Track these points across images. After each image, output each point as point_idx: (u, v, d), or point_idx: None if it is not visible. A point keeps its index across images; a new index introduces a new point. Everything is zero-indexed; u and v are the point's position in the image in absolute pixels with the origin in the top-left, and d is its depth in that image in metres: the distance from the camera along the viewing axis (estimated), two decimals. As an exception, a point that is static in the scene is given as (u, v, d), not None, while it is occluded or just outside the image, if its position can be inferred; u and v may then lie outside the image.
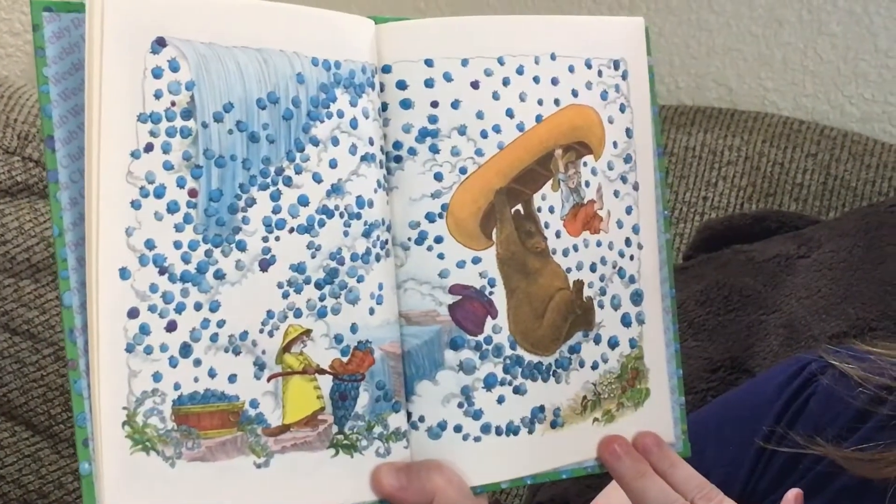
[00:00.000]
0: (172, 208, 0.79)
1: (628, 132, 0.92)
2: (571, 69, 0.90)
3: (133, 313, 0.78)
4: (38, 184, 1.51)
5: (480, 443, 0.87)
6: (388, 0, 1.70)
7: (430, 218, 0.87)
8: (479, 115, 0.87)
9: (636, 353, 0.92)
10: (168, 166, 0.79)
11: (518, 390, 0.88)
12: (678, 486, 0.87)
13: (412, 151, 0.87)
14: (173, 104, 0.79)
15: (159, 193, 0.78)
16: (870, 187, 1.49)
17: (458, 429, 0.87)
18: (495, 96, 0.87)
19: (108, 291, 0.77)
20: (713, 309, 1.35)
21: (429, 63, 0.87)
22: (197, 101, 0.79)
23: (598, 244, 0.90)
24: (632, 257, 0.92)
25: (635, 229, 0.92)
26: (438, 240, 0.87)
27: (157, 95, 0.78)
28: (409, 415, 0.87)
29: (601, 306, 0.91)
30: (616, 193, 0.91)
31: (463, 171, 0.87)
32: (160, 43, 0.78)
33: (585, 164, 0.90)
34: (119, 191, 0.77)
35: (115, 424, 0.77)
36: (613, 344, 0.91)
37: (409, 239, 0.87)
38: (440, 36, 0.87)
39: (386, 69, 0.87)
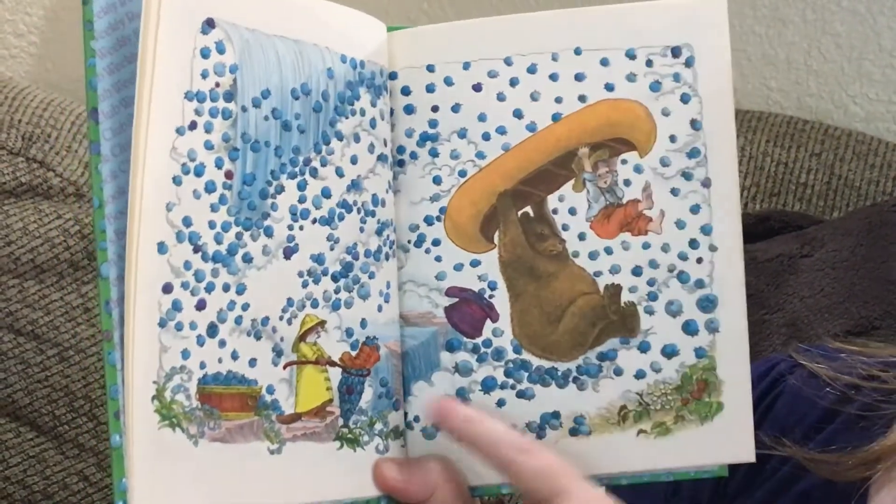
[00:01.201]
0: (210, 188, 0.80)
1: (694, 124, 0.87)
2: (605, 62, 0.87)
3: (167, 288, 0.78)
4: (42, 185, 1.51)
5: None
6: (393, 2, 1.71)
7: (428, 221, 0.87)
8: (482, 118, 0.87)
9: (705, 363, 0.87)
10: (209, 146, 0.80)
11: (523, 395, 0.87)
12: (490, 442, 0.84)
13: (413, 156, 0.87)
14: (217, 85, 0.80)
15: (199, 172, 0.79)
16: (874, 187, 1.49)
17: None
18: (500, 97, 0.87)
19: (146, 264, 0.77)
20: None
21: (430, 68, 0.87)
22: (239, 84, 0.81)
23: (646, 246, 0.87)
24: (699, 260, 0.87)
25: (705, 230, 0.87)
26: (436, 242, 0.87)
27: (204, 75, 0.79)
28: (405, 414, 0.87)
29: (650, 312, 0.87)
30: (674, 191, 0.87)
31: (462, 174, 0.87)
32: (210, 24, 0.80)
33: (625, 161, 0.87)
34: (163, 165, 0.78)
35: (145, 398, 0.77)
36: (670, 353, 0.87)
37: (409, 241, 0.87)
38: (442, 41, 0.87)
39: (392, 76, 0.87)
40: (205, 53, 0.79)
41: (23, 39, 1.78)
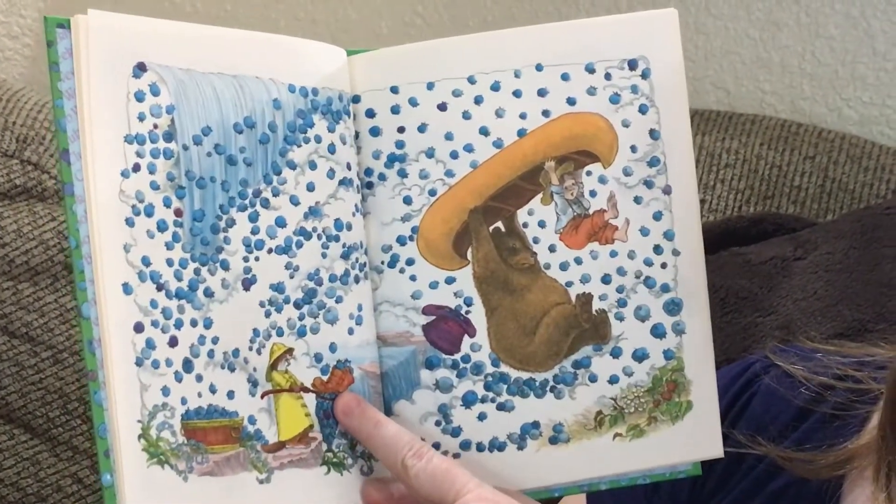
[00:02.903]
0: (162, 227, 0.81)
1: (653, 133, 0.90)
2: (566, 77, 0.89)
3: (139, 328, 0.79)
4: (36, 187, 1.51)
5: (459, 459, 0.88)
6: (387, 6, 1.71)
7: (401, 241, 0.88)
8: (448, 137, 0.88)
9: (674, 364, 0.90)
10: (155, 186, 0.81)
11: (503, 407, 0.88)
12: (385, 446, 0.86)
13: (382, 177, 0.88)
14: (156, 126, 0.81)
15: (149, 212, 0.80)
16: (868, 189, 1.49)
17: (436, 446, 0.88)
18: (466, 116, 0.88)
19: (114, 305, 0.78)
20: (710, 311, 1.35)
21: (394, 90, 0.88)
22: (177, 124, 0.81)
23: (613, 254, 0.89)
24: (664, 265, 0.90)
25: (668, 235, 0.90)
26: (410, 262, 0.88)
27: (141, 118, 0.80)
28: None
29: (620, 318, 0.89)
30: (637, 200, 0.90)
31: (432, 193, 0.88)
32: (141, 68, 0.81)
33: (590, 173, 0.89)
34: (114, 208, 0.79)
35: (132, 437, 0.78)
36: (640, 356, 0.90)
37: (383, 262, 0.88)
38: (405, 62, 0.88)
39: (356, 99, 0.88)
40: (139, 97, 0.80)
41: (17, 41, 1.78)
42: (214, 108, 0.83)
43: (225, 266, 0.82)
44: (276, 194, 0.85)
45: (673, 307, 0.90)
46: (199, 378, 0.81)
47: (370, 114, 0.88)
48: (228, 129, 0.83)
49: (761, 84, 1.62)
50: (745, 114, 1.57)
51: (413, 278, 0.88)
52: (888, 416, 0.90)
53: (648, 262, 0.89)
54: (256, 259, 0.84)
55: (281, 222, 0.85)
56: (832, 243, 1.36)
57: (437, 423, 0.88)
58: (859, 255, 1.33)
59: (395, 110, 0.88)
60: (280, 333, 0.84)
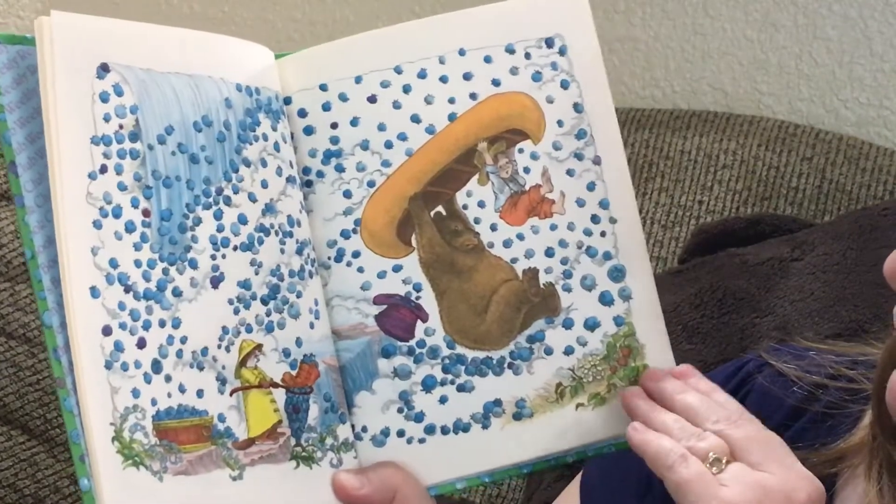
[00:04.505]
0: (130, 228, 0.81)
1: (577, 107, 0.92)
2: (488, 59, 0.91)
3: (107, 331, 0.80)
4: (34, 188, 1.51)
5: (425, 444, 0.89)
6: (385, 7, 1.71)
7: (345, 235, 0.89)
8: (381, 128, 0.89)
9: (625, 330, 0.91)
10: (122, 187, 0.81)
11: (463, 388, 0.89)
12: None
13: (320, 174, 0.89)
14: (121, 127, 0.81)
15: (117, 213, 0.81)
16: (865, 191, 1.49)
17: (400, 433, 0.89)
18: (396, 105, 0.89)
19: (81, 310, 0.79)
20: (707, 312, 1.35)
21: (323, 87, 0.89)
22: (141, 123, 0.82)
23: (553, 227, 0.91)
24: (603, 233, 0.91)
25: (603, 204, 0.91)
26: (356, 254, 0.89)
27: (106, 119, 0.81)
28: (352, 426, 0.89)
29: (567, 290, 0.91)
30: (570, 172, 0.91)
31: (371, 184, 0.89)
32: (104, 68, 0.81)
33: (522, 150, 0.91)
34: (81, 211, 0.79)
35: (105, 440, 0.78)
36: (592, 325, 0.91)
37: (329, 258, 0.89)
38: (331, 59, 0.89)
39: (287, 101, 0.89)
40: (104, 97, 0.81)
41: (15, 43, 1.78)
42: (175, 107, 0.83)
43: (193, 265, 0.83)
44: (236, 192, 0.85)
45: (617, 274, 0.91)
46: (168, 378, 0.81)
47: (302, 113, 0.89)
48: (189, 128, 0.84)
49: (759, 85, 1.62)
50: (742, 115, 1.57)
51: (361, 270, 0.89)
52: (877, 414, 0.90)
53: (588, 233, 0.91)
54: (223, 256, 0.84)
55: (243, 219, 0.85)
56: (829, 244, 1.36)
57: (400, 411, 0.89)
58: (857, 257, 1.33)
59: (326, 107, 0.89)
60: (249, 330, 0.85)
